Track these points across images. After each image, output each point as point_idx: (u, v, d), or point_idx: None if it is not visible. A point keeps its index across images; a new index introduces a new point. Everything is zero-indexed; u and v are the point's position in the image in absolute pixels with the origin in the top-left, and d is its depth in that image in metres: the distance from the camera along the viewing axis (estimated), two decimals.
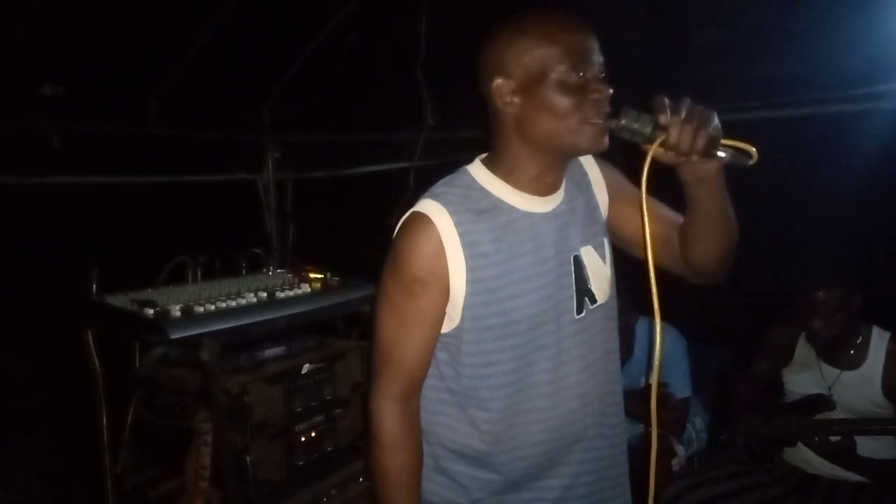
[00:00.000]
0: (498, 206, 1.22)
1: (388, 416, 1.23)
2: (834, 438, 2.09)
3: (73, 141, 2.71)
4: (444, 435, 1.30)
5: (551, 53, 1.11)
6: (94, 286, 2.03)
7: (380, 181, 3.27)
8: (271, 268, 2.52)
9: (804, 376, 2.25)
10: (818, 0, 2.11)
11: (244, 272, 2.44)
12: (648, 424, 2.28)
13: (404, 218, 1.21)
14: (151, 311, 1.87)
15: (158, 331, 1.81)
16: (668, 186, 1.20)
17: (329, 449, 2.19)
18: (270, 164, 3.34)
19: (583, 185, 1.33)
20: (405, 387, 1.24)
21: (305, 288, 2.24)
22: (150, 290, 2.13)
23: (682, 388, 2.55)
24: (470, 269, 1.18)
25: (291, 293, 2.17)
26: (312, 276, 2.35)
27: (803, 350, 2.28)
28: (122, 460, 2.08)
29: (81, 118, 2.73)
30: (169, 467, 1.99)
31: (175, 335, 1.81)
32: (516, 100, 1.15)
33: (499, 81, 1.15)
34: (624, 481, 1.40)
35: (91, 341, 2.01)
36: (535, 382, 1.24)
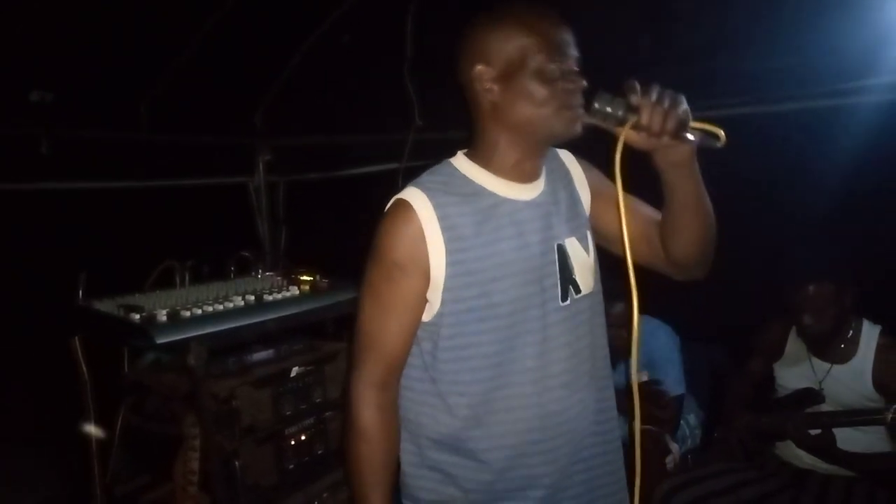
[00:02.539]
0: (479, 192, 1.24)
1: (365, 402, 1.24)
2: (814, 432, 2.08)
3: (63, 147, 2.71)
4: (428, 425, 1.29)
5: (531, 44, 1.16)
6: (81, 292, 2.02)
7: (371, 182, 3.27)
8: (260, 271, 2.51)
9: (795, 371, 2.24)
10: None
11: (233, 276, 2.43)
12: (642, 422, 2.28)
13: (388, 205, 1.25)
14: (138, 316, 1.87)
15: (145, 336, 1.81)
16: (646, 184, 1.22)
17: (319, 452, 2.18)
18: (262, 167, 3.33)
19: (565, 180, 1.36)
20: (384, 373, 1.25)
21: (294, 290, 2.23)
22: (137, 294, 2.12)
23: (675, 386, 2.54)
24: (450, 252, 1.20)
25: (280, 296, 2.16)
26: (301, 278, 2.35)
27: (794, 345, 2.28)
28: (111, 467, 2.08)
29: (70, 124, 2.73)
30: (158, 473, 1.98)
31: (161, 340, 1.80)
32: (495, 87, 1.19)
33: (479, 68, 1.19)
34: (619, 479, 1.39)
35: (79, 347, 2.00)
36: (519, 368, 1.24)
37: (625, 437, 1.48)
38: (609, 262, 1.39)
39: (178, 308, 1.94)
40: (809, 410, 2.15)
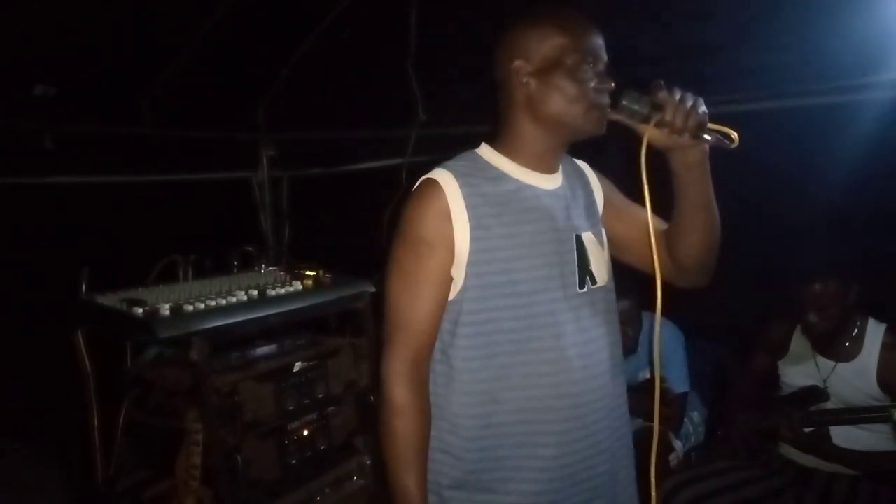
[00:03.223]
0: (502, 176, 1.32)
1: (397, 379, 1.27)
2: (808, 430, 2.08)
3: (66, 141, 2.71)
4: (443, 407, 1.31)
5: (568, 44, 1.26)
6: (84, 286, 2.02)
7: (374, 178, 3.26)
8: (263, 266, 2.51)
9: (800, 369, 2.23)
10: None
11: (236, 270, 2.43)
12: (647, 419, 2.28)
13: (415, 186, 1.31)
14: (140, 311, 1.86)
15: (147, 330, 1.80)
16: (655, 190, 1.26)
17: (322, 447, 2.18)
18: (265, 162, 3.33)
19: (582, 181, 1.44)
20: (415, 350, 1.28)
21: (297, 286, 2.23)
22: (140, 289, 2.12)
23: (679, 383, 2.54)
24: (473, 229, 1.25)
25: (283, 291, 2.15)
26: (305, 273, 2.34)
27: (799, 343, 2.27)
28: (113, 462, 2.07)
29: (74, 118, 2.73)
30: (161, 468, 1.98)
31: (164, 334, 1.80)
32: (532, 81, 1.28)
33: (518, 63, 1.28)
34: (629, 475, 1.41)
35: (82, 342, 1.99)
36: (537, 347, 1.27)
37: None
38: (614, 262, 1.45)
39: (181, 302, 1.93)
40: (813, 408, 2.14)
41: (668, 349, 2.51)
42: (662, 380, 2.46)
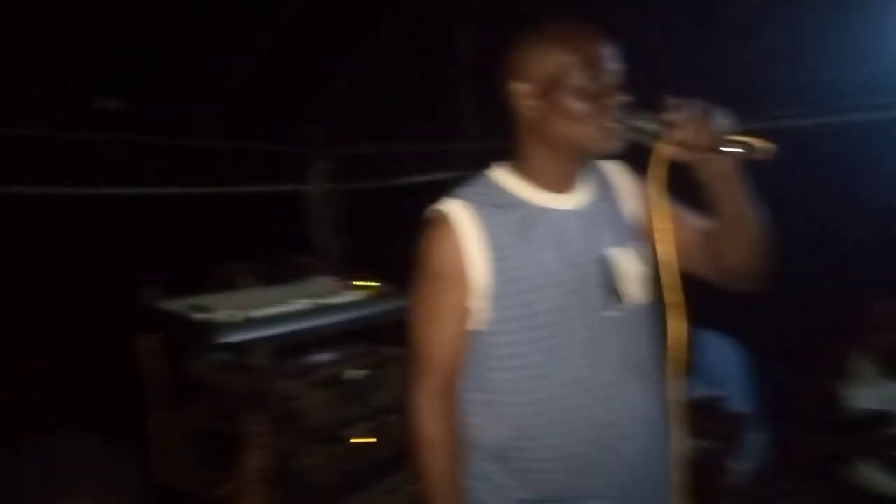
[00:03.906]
0: (516, 202, 1.26)
1: (424, 411, 1.26)
2: None
3: (129, 153, 2.81)
4: (477, 435, 1.29)
5: (567, 60, 1.18)
6: (150, 292, 2.08)
7: (426, 191, 3.29)
8: (319, 276, 2.55)
9: (866, 391, 2.16)
10: (873, 3, 2.06)
11: (293, 280, 2.48)
12: (699, 439, 2.24)
13: (425, 218, 1.27)
14: (203, 316, 1.92)
15: (210, 335, 1.85)
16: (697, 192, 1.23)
17: (377, 455, 2.19)
18: (319, 175, 3.40)
19: (610, 192, 1.36)
20: (439, 382, 1.26)
21: (352, 296, 2.26)
22: (203, 296, 2.17)
23: (739, 403, 2.48)
24: (489, 261, 1.21)
25: (338, 300, 2.19)
26: (358, 284, 2.38)
27: (864, 364, 2.20)
28: (177, 463, 2.12)
29: (137, 131, 2.83)
30: (221, 470, 2.02)
31: (226, 340, 1.85)
32: (534, 103, 1.21)
33: (518, 85, 1.22)
34: (668, 494, 1.34)
35: (147, 346, 2.05)
36: (568, 379, 1.23)
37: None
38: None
39: (240, 309, 1.98)
40: (883, 433, 2.07)
41: (728, 367, 2.46)
42: (721, 398, 2.43)
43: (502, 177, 1.29)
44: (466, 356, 1.28)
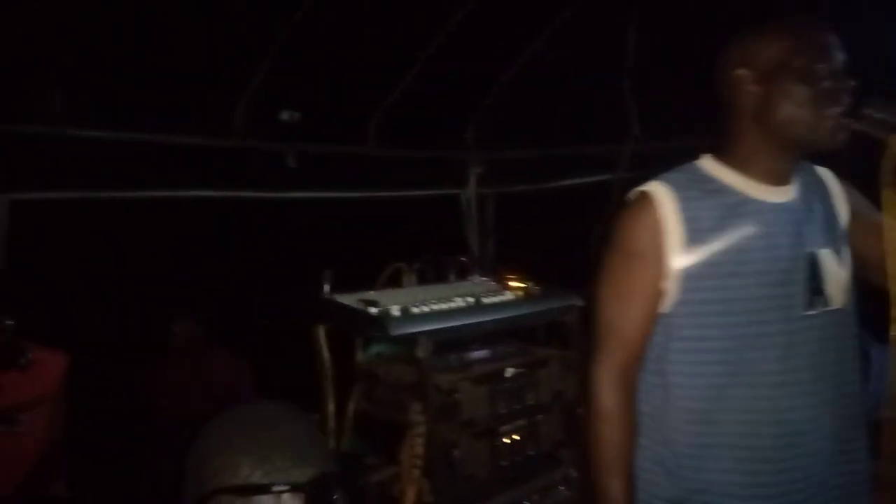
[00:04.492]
0: (723, 189, 1.26)
1: (606, 386, 1.28)
2: None
3: (306, 161, 3.08)
4: (655, 417, 1.30)
5: (793, 45, 1.18)
6: (327, 287, 2.26)
7: (578, 194, 3.28)
8: (476, 276, 2.64)
9: None
10: None
11: (452, 279, 2.58)
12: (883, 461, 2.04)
13: (627, 197, 1.30)
14: (375, 310, 2.06)
15: (381, 328, 1.99)
16: None
17: (531, 453, 2.23)
18: (473, 180, 3.51)
19: (822, 193, 1.33)
20: (624, 359, 1.28)
21: (509, 295, 2.32)
22: (371, 292, 2.33)
23: None
24: (689, 244, 1.22)
25: (496, 299, 2.26)
26: (514, 284, 2.43)
27: None
28: (343, 447, 2.29)
29: (313, 140, 3.09)
30: (384, 456, 2.15)
31: (395, 332, 1.97)
32: (757, 89, 1.21)
33: (741, 72, 1.23)
34: None
35: (323, 335, 2.24)
36: (757, 370, 1.22)
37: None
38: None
39: (408, 305, 2.10)
40: None
41: None
42: None
43: (711, 166, 1.30)
44: (653, 340, 1.29)
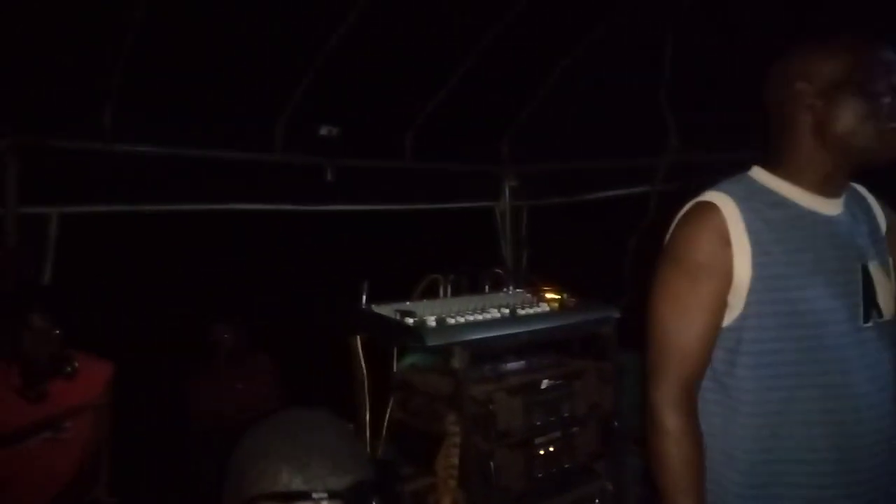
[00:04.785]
0: (782, 202, 1.26)
1: (669, 404, 1.24)
2: None
3: (344, 174, 3.14)
4: (717, 436, 1.28)
5: (853, 61, 1.21)
6: (364, 297, 2.30)
7: (612, 206, 3.29)
8: (511, 287, 2.65)
9: None
10: None
11: (487, 290, 2.59)
12: None
13: (686, 208, 1.28)
14: (412, 321, 2.08)
15: (418, 338, 2.00)
16: None
17: (566, 466, 2.22)
18: (507, 193, 3.54)
19: (864, 206, 1.35)
20: (685, 377, 1.25)
21: (544, 307, 2.32)
22: (408, 302, 2.36)
23: None
24: (755, 255, 1.21)
25: (531, 311, 2.26)
26: (550, 296, 2.43)
27: None
28: (379, 456, 2.31)
29: (351, 154, 3.16)
30: (420, 466, 2.16)
31: (431, 343, 1.98)
32: (818, 103, 1.23)
33: (801, 85, 1.24)
34: None
35: (359, 345, 2.27)
36: (821, 382, 1.21)
37: None
38: None
39: (444, 316, 2.12)
40: None
41: None
42: None
43: (763, 177, 1.30)
44: (714, 356, 1.27)
